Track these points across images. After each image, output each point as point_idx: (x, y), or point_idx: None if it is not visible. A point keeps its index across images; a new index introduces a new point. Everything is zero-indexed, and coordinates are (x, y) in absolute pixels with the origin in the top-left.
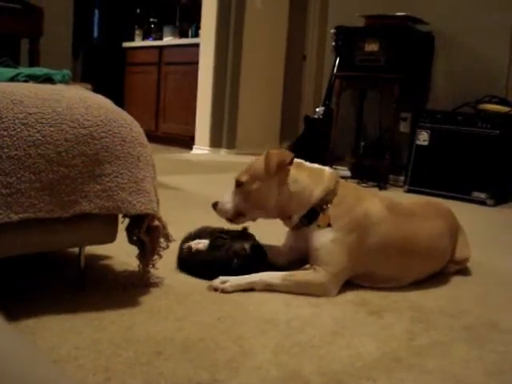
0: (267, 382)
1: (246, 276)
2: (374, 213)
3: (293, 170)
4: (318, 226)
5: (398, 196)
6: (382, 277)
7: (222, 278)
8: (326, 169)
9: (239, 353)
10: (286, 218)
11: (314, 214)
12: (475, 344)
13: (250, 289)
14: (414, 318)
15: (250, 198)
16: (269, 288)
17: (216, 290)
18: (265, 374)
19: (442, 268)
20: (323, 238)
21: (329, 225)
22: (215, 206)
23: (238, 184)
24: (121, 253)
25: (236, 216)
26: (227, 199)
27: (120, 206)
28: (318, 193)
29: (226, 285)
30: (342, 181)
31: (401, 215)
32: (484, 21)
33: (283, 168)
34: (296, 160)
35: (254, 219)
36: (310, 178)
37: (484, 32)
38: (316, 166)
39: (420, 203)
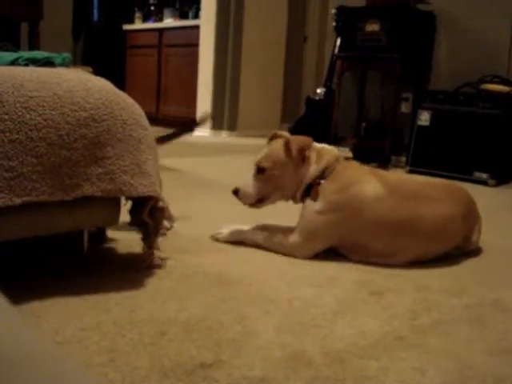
0: (270, 362)
1: (240, 229)
2: (367, 194)
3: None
4: (309, 198)
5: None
6: (373, 251)
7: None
8: (329, 148)
9: (242, 333)
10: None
11: (309, 190)
12: (477, 323)
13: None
14: (416, 297)
15: (273, 182)
16: (254, 244)
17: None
18: (268, 354)
19: (447, 250)
20: (310, 208)
21: (317, 198)
22: (236, 192)
23: (260, 170)
24: (124, 235)
25: (258, 201)
26: (248, 185)
27: (122, 189)
28: (314, 171)
29: (219, 236)
30: (347, 160)
31: (402, 196)
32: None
33: (303, 153)
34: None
35: (273, 202)
36: (317, 158)
37: (486, 11)
38: (321, 145)
39: (434, 185)
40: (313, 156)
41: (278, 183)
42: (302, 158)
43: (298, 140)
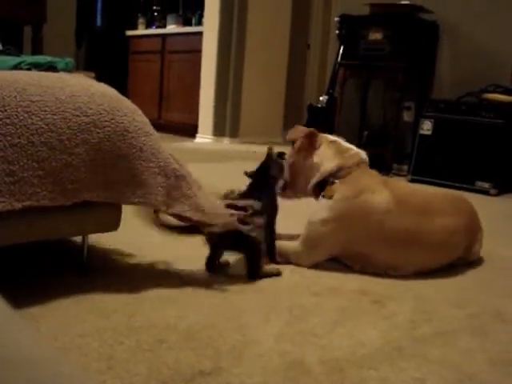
0: (270, 370)
1: None
2: (376, 205)
3: (323, 146)
4: (323, 196)
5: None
6: (375, 262)
7: None
8: (354, 149)
9: (242, 341)
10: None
11: (323, 186)
12: (478, 334)
13: None
14: (417, 307)
15: (289, 171)
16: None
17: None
18: (267, 362)
19: (450, 262)
20: (317, 215)
21: (330, 197)
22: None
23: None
24: (124, 241)
25: (284, 187)
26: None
27: (118, 197)
28: (330, 165)
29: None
30: (368, 169)
31: (411, 209)
32: (488, 9)
33: (309, 143)
34: (331, 138)
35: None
36: (335, 153)
37: (488, 21)
38: (349, 146)
39: (441, 197)
40: (328, 152)
41: (293, 174)
42: (310, 150)
43: (296, 131)
